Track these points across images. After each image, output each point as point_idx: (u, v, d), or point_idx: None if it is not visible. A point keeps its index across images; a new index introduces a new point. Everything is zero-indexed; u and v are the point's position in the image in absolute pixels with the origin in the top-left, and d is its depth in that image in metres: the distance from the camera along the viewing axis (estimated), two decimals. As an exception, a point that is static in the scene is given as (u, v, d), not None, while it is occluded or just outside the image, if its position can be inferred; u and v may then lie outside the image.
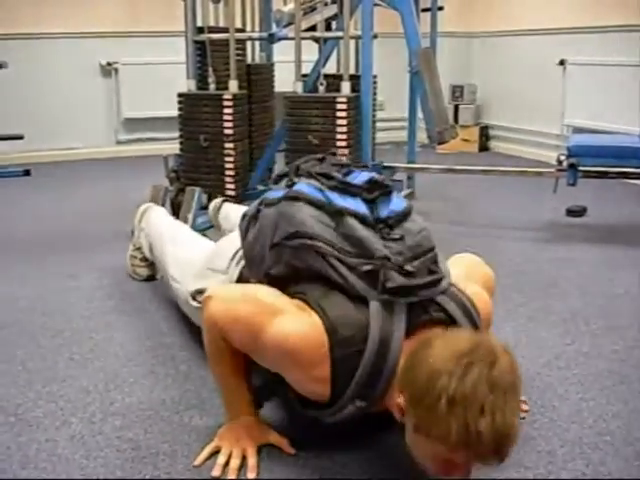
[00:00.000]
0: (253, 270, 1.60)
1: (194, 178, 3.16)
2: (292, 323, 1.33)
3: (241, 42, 3.40)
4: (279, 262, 1.46)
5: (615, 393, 1.71)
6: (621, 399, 1.68)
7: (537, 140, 5.06)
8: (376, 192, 1.48)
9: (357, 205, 1.45)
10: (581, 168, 3.04)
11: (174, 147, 3.34)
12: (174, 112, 3.24)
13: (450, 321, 1.36)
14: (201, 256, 1.94)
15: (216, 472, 1.40)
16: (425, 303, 1.36)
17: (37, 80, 4.85)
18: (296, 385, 1.39)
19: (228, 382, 1.50)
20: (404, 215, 1.47)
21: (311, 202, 1.46)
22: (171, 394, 1.72)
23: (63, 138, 5.04)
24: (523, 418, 1.58)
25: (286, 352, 1.32)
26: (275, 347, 1.33)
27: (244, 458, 1.43)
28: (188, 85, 3.26)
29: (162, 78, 4.68)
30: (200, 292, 1.78)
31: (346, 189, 1.48)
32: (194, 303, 1.82)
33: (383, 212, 1.45)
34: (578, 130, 4.56)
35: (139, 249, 2.49)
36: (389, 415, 1.36)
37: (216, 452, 1.45)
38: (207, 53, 3.20)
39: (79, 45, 4.94)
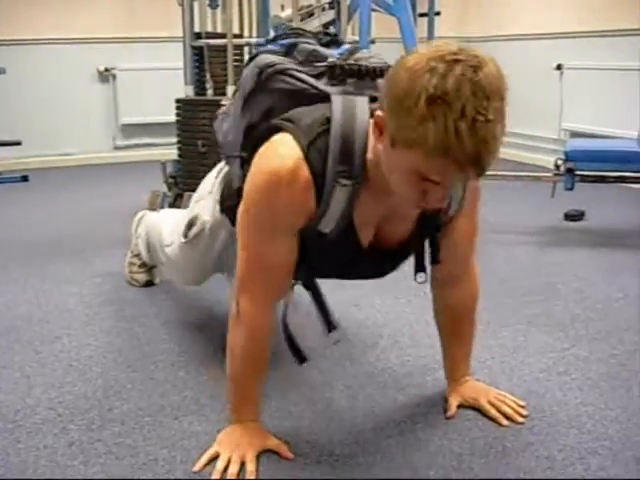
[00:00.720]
0: (230, 157, 1.60)
1: (192, 184, 3.12)
2: (255, 169, 1.35)
3: (239, 48, 3.40)
4: (252, 114, 1.48)
5: (614, 398, 1.71)
6: (620, 404, 1.68)
7: (534, 144, 5.06)
8: (324, 39, 1.56)
9: (310, 41, 1.53)
10: (579, 172, 3.05)
11: (172, 153, 3.33)
12: (172, 118, 3.23)
13: None
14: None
15: (215, 477, 1.39)
16: None
17: (35, 86, 4.85)
18: (292, 208, 1.33)
19: (242, 384, 1.49)
20: (354, 50, 1.53)
21: (267, 52, 1.53)
22: (170, 400, 1.72)
23: (61, 144, 5.04)
24: (522, 423, 1.59)
25: (268, 180, 1.30)
26: (259, 189, 1.33)
27: (243, 463, 1.42)
28: (186, 91, 3.25)
29: (160, 84, 4.67)
30: (190, 224, 1.82)
31: (297, 34, 1.55)
32: (183, 239, 1.84)
33: (335, 53, 1.51)
34: (575, 134, 4.57)
35: (137, 255, 2.48)
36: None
37: (215, 458, 1.44)
38: (205, 59, 3.20)
39: (77, 51, 4.95)
